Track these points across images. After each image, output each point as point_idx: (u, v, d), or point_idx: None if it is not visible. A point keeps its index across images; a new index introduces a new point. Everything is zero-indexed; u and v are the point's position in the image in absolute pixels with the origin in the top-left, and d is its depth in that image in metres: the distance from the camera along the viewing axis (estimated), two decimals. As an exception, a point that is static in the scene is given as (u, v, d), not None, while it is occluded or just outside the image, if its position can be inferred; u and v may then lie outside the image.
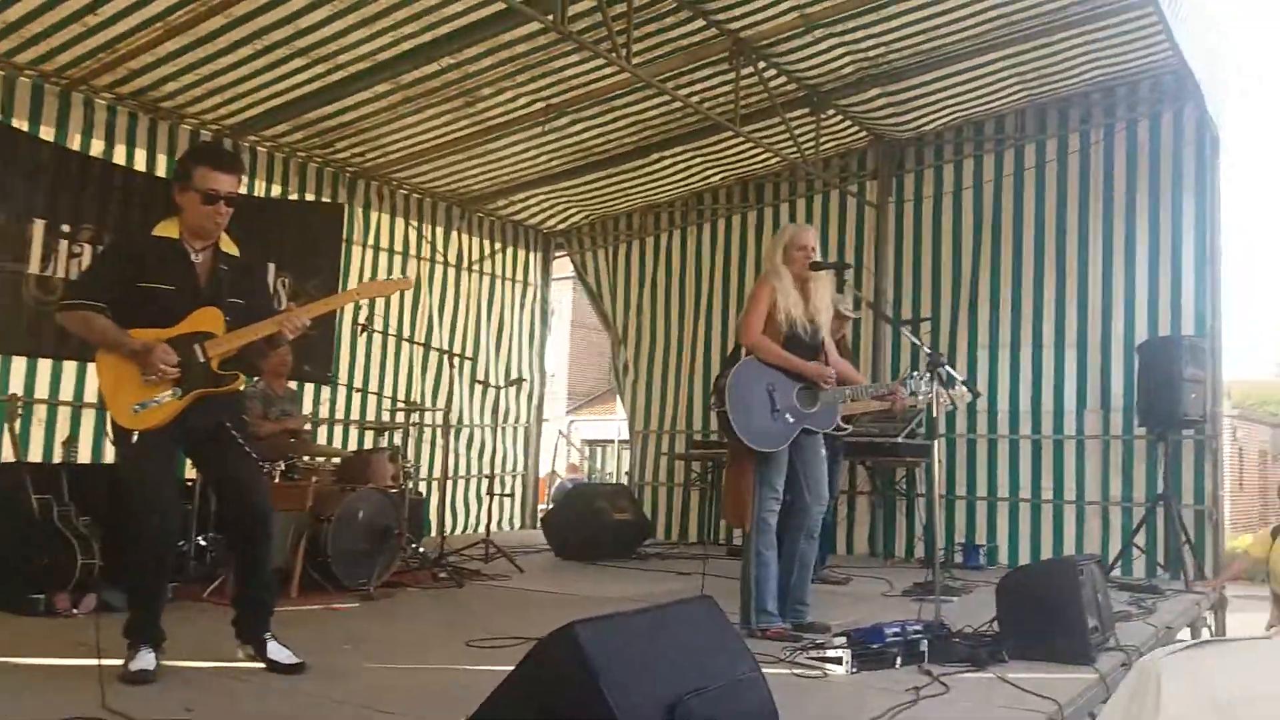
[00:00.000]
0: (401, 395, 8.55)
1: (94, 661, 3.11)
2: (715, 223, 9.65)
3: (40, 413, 6.30)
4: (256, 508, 3.55)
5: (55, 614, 4.58)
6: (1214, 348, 7.10)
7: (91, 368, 3.55)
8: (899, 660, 3.71)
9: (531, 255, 10.48)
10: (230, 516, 3.73)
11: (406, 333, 8.66)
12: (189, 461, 4.27)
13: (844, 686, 3.47)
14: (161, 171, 6.83)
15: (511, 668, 2.30)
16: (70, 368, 6.40)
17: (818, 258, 4.55)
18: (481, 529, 7.64)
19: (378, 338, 8.21)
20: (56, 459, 5.87)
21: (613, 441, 22.65)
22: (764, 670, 2.64)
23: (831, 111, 7.85)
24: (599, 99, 7.31)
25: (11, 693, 3.16)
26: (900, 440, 6.99)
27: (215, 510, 5.25)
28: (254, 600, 3.60)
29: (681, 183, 9.29)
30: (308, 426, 6.37)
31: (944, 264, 8.32)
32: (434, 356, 8.76)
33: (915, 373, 4.47)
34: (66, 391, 6.44)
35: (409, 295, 8.91)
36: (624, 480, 11.46)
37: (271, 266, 7.64)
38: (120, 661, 3.30)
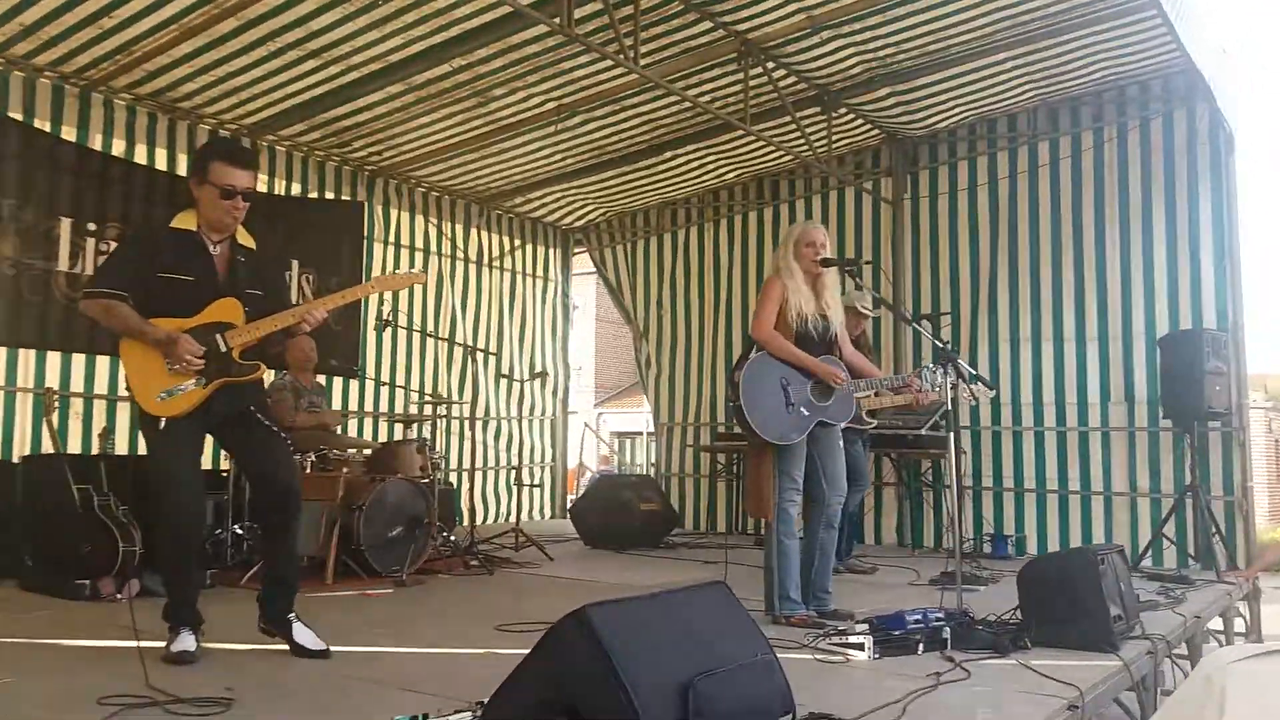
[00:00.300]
0: (428, 389, 8.66)
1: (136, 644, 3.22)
2: (731, 219, 9.68)
3: (77, 406, 6.44)
4: (285, 482, 3.61)
5: (100, 599, 4.74)
6: (1236, 340, 7.09)
7: (123, 362, 3.65)
8: (921, 647, 3.73)
9: (551, 251, 10.56)
10: (260, 491, 3.82)
11: (431, 328, 8.78)
12: (223, 453, 4.37)
13: (865, 671, 3.51)
14: (183, 170, 6.89)
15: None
16: (104, 362, 6.52)
17: (828, 254, 4.59)
18: (512, 519, 7.74)
19: (403, 333, 8.31)
20: (94, 450, 6.03)
21: (641, 434, 22.69)
22: (786, 655, 2.67)
23: (843, 110, 7.86)
24: (610, 99, 7.36)
25: (62, 672, 3.30)
26: (924, 432, 7.02)
27: (249, 499, 5.38)
28: (280, 579, 3.66)
29: (696, 179, 9.32)
30: (339, 428, 6.47)
31: (961, 259, 8.31)
32: (459, 351, 8.85)
33: (929, 365, 4.52)
34: (101, 385, 6.57)
35: (432, 291, 9.01)
36: (651, 472, 11.53)
37: (295, 263, 7.75)
38: (163, 644, 3.41)
